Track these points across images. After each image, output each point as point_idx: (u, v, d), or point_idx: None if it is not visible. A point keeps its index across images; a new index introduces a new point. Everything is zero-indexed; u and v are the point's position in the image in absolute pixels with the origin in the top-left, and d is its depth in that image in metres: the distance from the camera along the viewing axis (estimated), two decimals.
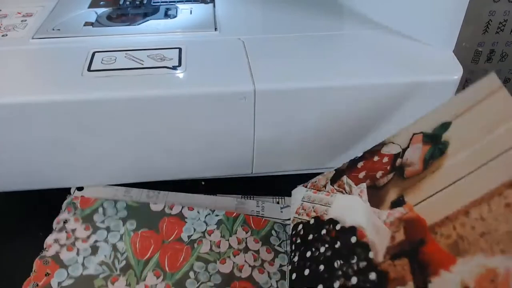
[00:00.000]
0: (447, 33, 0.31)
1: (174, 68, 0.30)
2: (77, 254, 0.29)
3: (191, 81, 0.29)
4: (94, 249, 0.29)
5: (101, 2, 0.39)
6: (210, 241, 0.30)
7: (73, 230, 0.30)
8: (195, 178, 0.35)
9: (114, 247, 0.30)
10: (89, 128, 0.29)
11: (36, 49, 0.32)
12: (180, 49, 0.32)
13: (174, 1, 0.39)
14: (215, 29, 0.35)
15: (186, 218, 0.32)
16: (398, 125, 0.32)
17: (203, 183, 0.35)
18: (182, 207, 0.32)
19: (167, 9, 0.38)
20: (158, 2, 0.39)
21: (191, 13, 0.38)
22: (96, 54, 0.31)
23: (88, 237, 0.30)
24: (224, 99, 0.29)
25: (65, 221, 0.31)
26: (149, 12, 0.38)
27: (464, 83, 0.32)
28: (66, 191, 0.33)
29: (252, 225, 0.31)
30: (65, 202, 0.32)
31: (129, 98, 0.29)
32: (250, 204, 0.33)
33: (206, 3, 0.39)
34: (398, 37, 0.33)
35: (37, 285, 0.27)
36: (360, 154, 0.29)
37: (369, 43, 0.33)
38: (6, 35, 0.34)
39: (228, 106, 0.29)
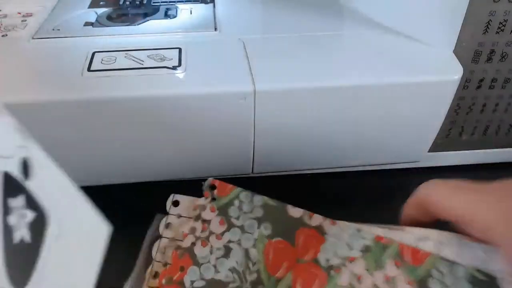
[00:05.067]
0: (447, 33, 0.31)
1: (174, 68, 0.30)
2: (210, 252, 0.26)
3: (191, 81, 0.29)
4: (227, 251, 0.26)
5: (101, 2, 0.39)
6: (351, 272, 0.24)
7: (209, 222, 0.27)
8: (195, 178, 0.35)
9: (246, 253, 0.26)
10: (88, 128, 0.29)
11: (36, 49, 0.32)
12: (180, 49, 0.32)
13: (174, 1, 0.39)
14: (215, 29, 0.35)
15: (326, 234, 0.26)
16: (398, 125, 0.32)
17: (203, 183, 0.35)
18: (324, 219, 0.26)
19: (167, 9, 0.38)
20: (158, 2, 0.39)
21: (191, 13, 0.38)
22: (96, 54, 0.31)
23: (222, 234, 0.27)
24: (224, 99, 0.29)
25: (203, 208, 0.27)
26: (149, 12, 0.38)
27: (464, 83, 0.32)
28: None
29: (407, 259, 0.24)
30: (205, 184, 0.28)
31: (129, 98, 0.29)
32: (408, 231, 0.25)
33: (206, 3, 0.39)
34: (398, 37, 0.33)
35: (171, 279, 0.25)
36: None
37: (369, 43, 0.33)
38: (6, 35, 0.34)
39: (228, 106, 0.29)
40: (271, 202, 0.27)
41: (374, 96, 0.30)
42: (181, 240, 0.26)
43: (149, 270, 0.26)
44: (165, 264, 0.26)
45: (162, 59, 0.31)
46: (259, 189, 0.35)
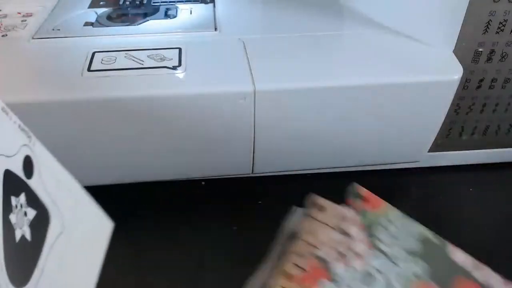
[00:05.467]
0: (447, 33, 0.31)
1: (174, 68, 0.30)
2: (350, 273, 0.23)
3: (191, 81, 0.29)
4: (369, 277, 0.23)
5: (101, 2, 0.39)
6: None
7: (352, 238, 0.24)
8: (195, 178, 0.35)
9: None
10: (88, 128, 0.29)
11: (36, 49, 0.32)
12: (180, 49, 0.32)
13: (174, 1, 0.39)
14: (215, 29, 0.35)
15: None
16: (398, 125, 0.32)
17: (203, 183, 0.36)
18: (494, 275, 0.22)
19: (167, 9, 0.38)
20: (158, 2, 0.39)
21: (191, 13, 0.38)
22: (96, 54, 0.31)
23: (366, 256, 0.23)
24: (224, 99, 0.29)
25: (348, 221, 0.25)
26: (149, 12, 0.38)
27: (464, 83, 0.32)
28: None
29: None
30: (350, 191, 0.25)
31: (129, 98, 0.29)
32: None
33: (206, 3, 0.39)
34: (398, 37, 0.33)
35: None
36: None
37: (369, 43, 0.33)
38: (6, 35, 0.34)
39: (228, 106, 0.29)
40: (429, 235, 0.24)
41: (374, 96, 0.30)
42: (319, 249, 0.24)
43: (281, 268, 0.24)
44: (299, 268, 0.23)
45: (162, 59, 0.31)
46: (259, 189, 0.35)
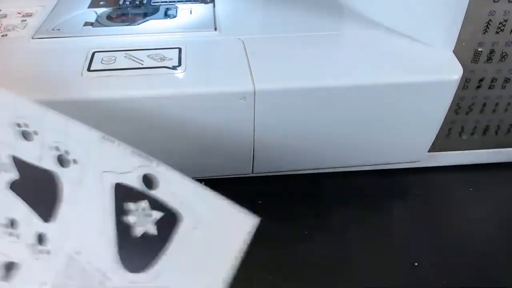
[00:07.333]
0: (447, 33, 0.31)
1: (174, 68, 0.30)
2: None
3: (191, 81, 0.29)
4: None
5: (101, 2, 0.39)
6: None
7: None
8: (195, 178, 0.35)
9: None
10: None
11: (36, 49, 0.32)
12: (180, 49, 0.32)
13: (174, 1, 0.39)
14: (215, 29, 0.35)
15: None
16: (398, 125, 0.32)
17: (203, 183, 0.35)
18: None
19: (167, 9, 0.38)
20: (158, 2, 0.39)
21: (191, 13, 0.38)
22: (96, 54, 0.31)
23: None
24: (224, 99, 0.29)
25: None
26: (149, 12, 0.38)
27: (464, 83, 0.32)
28: None
29: None
30: None
31: (129, 98, 0.29)
32: None
33: (206, 3, 0.39)
34: (398, 37, 0.33)
35: None
36: None
37: (369, 43, 0.33)
38: (6, 35, 0.34)
39: (228, 106, 0.29)
40: None
41: (374, 96, 0.30)
42: None
43: None
44: None
45: (162, 59, 0.31)
46: (259, 189, 0.35)
